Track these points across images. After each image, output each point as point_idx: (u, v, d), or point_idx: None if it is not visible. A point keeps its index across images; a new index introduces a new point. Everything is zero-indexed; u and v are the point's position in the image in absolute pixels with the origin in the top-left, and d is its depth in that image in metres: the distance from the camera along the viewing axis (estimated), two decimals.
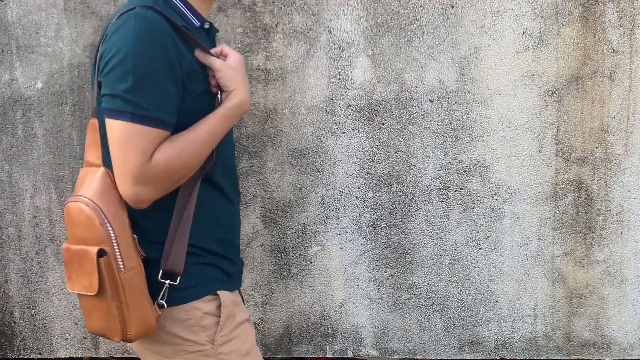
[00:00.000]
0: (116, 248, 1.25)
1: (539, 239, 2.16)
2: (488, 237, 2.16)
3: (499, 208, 2.14)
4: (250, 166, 2.14)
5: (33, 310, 2.24)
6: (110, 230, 1.25)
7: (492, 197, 2.14)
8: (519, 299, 2.19)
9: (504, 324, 2.21)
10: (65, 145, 2.15)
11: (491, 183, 2.13)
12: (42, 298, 2.23)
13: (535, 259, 2.17)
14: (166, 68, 1.24)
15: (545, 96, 2.09)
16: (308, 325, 2.23)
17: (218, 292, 1.43)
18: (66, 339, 2.26)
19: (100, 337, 2.24)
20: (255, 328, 2.23)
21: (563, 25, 2.06)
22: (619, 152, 2.11)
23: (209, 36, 1.49)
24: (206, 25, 1.44)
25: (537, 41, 2.07)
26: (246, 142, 2.13)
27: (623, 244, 2.16)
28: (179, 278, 1.35)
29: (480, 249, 2.16)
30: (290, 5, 2.07)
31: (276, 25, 2.08)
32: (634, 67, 2.08)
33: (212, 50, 1.39)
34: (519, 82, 2.08)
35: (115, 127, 1.23)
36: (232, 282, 1.52)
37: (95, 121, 1.32)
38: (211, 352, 1.39)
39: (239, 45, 2.09)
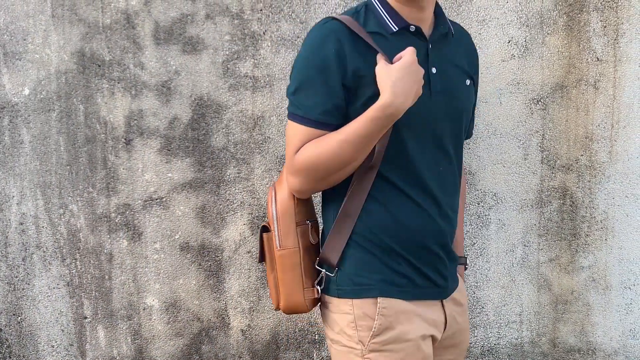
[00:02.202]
0: (276, 227, 1.46)
1: (524, 245, 2.18)
2: (474, 243, 2.18)
3: (485, 215, 2.16)
4: (238, 173, 2.15)
5: (19, 318, 2.23)
6: (274, 211, 1.45)
7: (478, 204, 2.15)
8: (504, 305, 2.21)
9: (490, 330, 2.22)
10: (52, 152, 2.14)
11: (477, 190, 2.15)
12: (28, 305, 2.22)
13: (520, 266, 2.19)
14: (323, 75, 1.36)
15: (530, 104, 2.11)
16: (296, 332, 2.24)
17: (379, 298, 1.42)
18: (52, 346, 2.25)
19: (87, 344, 2.24)
20: (242, 335, 2.23)
21: (548, 34, 2.08)
22: (603, 160, 2.14)
23: (421, 38, 1.44)
24: (411, 29, 1.42)
25: (522, 50, 2.09)
26: (234, 149, 2.14)
27: (607, 250, 2.18)
28: (335, 270, 1.46)
29: (466, 255, 2.17)
30: (278, 13, 2.08)
31: (264, 33, 2.09)
32: (618, 75, 2.11)
33: (398, 55, 1.36)
34: (504, 90, 2.10)
35: (287, 125, 1.43)
36: (415, 290, 1.45)
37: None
38: (360, 354, 1.42)
39: (227, 53, 2.09)
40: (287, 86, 1.44)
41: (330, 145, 1.36)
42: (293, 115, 1.40)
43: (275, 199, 1.46)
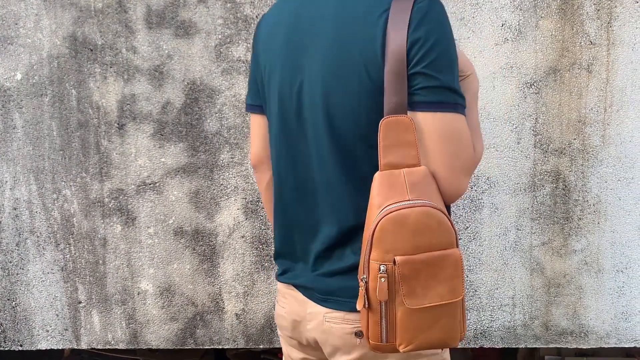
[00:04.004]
0: (458, 247, 1.18)
1: (517, 229, 2.18)
2: (467, 227, 2.18)
3: (478, 199, 2.17)
4: (232, 158, 2.15)
5: (13, 302, 2.24)
6: (455, 229, 1.16)
7: (471, 187, 2.16)
8: (497, 289, 2.22)
9: (482, 313, 2.23)
10: (45, 136, 2.14)
11: None
12: (22, 290, 2.23)
13: (513, 249, 2.19)
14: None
15: (523, 88, 2.11)
16: None
17: None
18: (47, 331, 2.25)
19: (82, 329, 2.24)
20: (237, 319, 2.24)
21: (541, 17, 2.08)
22: (596, 144, 2.14)
23: None
24: None
25: (515, 33, 2.08)
26: (227, 134, 2.13)
27: (600, 234, 2.19)
28: None
29: (459, 239, 2.18)
30: None
31: (257, 17, 2.08)
32: (611, 59, 2.11)
33: None
34: (497, 74, 2.10)
35: (445, 121, 1.15)
36: None
37: (407, 119, 1.15)
38: None
39: (220, 37, 2.08)
40: (438, 77, 1.14)
41: (479, 132, 1.27)
42: (461, 107, 1.16)
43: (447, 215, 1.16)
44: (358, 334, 1.24)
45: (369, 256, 1.13)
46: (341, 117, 1.20)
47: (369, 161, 1.20)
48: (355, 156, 1.21)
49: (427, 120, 1.15)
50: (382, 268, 1.12)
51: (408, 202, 1.12)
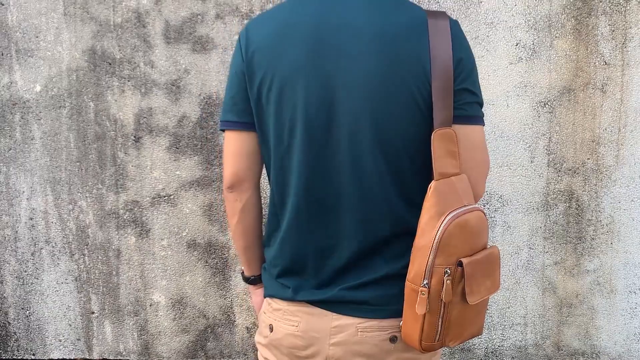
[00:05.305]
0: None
1: (529, 248, 2.18)
2: None
3: (491, 217, 2.17)
4: None
5: (27, 312, 2.26)
6: None
7: (484, 206, 2.16)
8: (509, 308, 2.21)
9: (494, 332, 2.23)
10: (62, 148, 2.17)
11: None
12: (36, 299, 2.25)
13: (525, 268, 2.19)
14: None
15: (537, 107, 2.11)
16: None
17: None
18: (60, 340, 2.27)
19: (94, 339, 2.26)
20: (248, 332, 2.24)
21: (556, 37, 2.09)
22: (610, 164, 2.14)
23: None
24: None
25: (530, 53, 2.09)
26: None
27: (613, 254, 2.18)
28: None
29: None
30: None
31: None
32: (625, 79, 2.11)
33: None
34: (511, 92, 2.10)
35: (480, 133, 1.28)
36: None
37: (452, 131, 1.23)
38: None
39: None
40: (477, 94, 1.27)
41: None
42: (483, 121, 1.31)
43: None
44: (393, 339, 1.28)
45: (433, 262, 1.18)
46: (391, 131, 1.24)
47: (410, 174, 1.27)
48: (402, 169, 1.26)
49: (468, 132, 1.25)
50: (447, 271, 1.17)
51: (466, 208, 1.20)
